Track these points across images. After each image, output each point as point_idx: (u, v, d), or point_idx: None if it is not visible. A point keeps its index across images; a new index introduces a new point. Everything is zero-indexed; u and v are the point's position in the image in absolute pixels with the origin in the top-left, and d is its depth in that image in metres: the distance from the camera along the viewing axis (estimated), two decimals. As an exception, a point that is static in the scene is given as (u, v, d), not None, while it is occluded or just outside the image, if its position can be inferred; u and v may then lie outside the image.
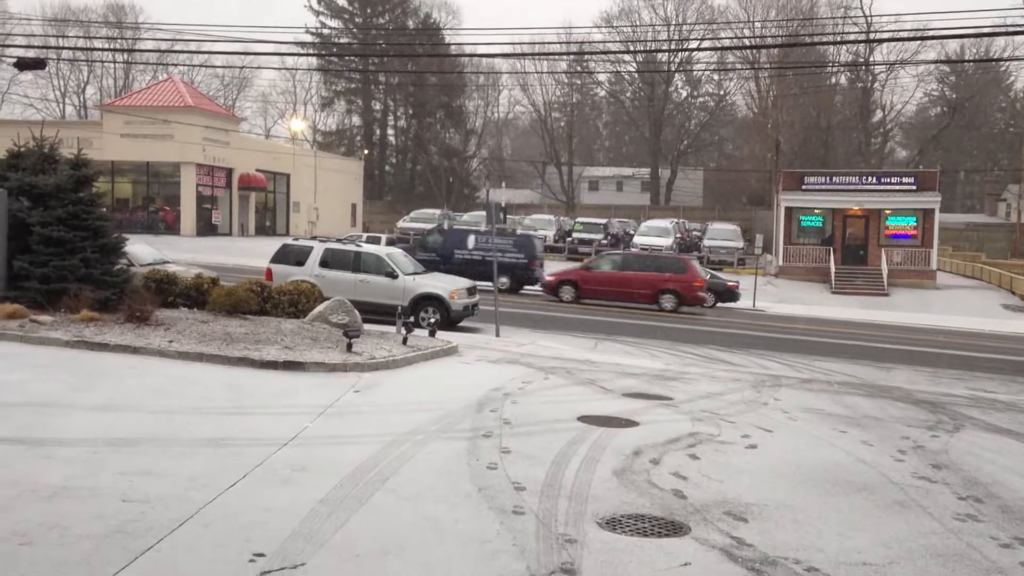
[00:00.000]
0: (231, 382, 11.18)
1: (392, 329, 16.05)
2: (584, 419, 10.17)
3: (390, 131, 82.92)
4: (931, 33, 43.00)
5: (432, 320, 18.37)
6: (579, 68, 72.42)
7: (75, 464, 7.33)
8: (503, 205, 23.75)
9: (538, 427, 9.67)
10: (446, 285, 20.13)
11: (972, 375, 18.27)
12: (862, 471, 8.58)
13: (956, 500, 7.69)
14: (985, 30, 31.83)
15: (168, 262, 21.53)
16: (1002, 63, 66.25)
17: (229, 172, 47.60)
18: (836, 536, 6.59)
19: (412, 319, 17.21)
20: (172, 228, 44.61)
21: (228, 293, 16.12)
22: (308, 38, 73.15)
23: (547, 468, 7.94)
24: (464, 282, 21.43)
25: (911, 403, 13.14)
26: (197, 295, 16.86)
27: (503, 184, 65.57)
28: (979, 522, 7.06)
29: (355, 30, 76.99)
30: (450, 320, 19.23)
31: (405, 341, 14.74)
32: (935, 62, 64.87)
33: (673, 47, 69.25)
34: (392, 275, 19.53)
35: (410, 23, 76.48)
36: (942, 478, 8.44)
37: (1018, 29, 45.93)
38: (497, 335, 18.57)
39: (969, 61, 63.50)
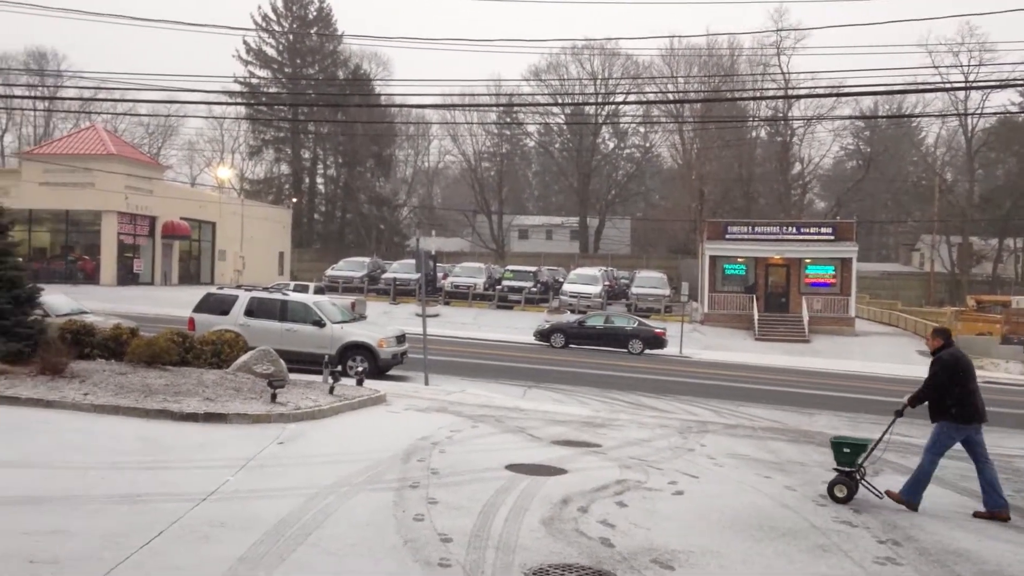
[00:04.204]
0: (149, 435, 10.83)
1: (319, 379, 15.80)
2: (513, 467, 10.11)
3: (319, 179, 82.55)
4: (846, 90, 44.82)
5: (360, 369, 18.11)
6: (508, 119, 73.45)
7: (-22, 524, 6.97)
8: (433, 253, 23.59)
9: (466, 477, 9.57)
10: (375, 333, 19.95)
11: (888, 419, 18.73)
12: (785, 516, 8.70)
13: (876, 544, 7.84)
14: (897, 88, 33.31)
15: (86, 312, 20.89)
16: (914, 119, 69.49)
17: (152, 220, 46.65)
18: (760, 581, 6.64)
19: (340, 368, 16.97)
20: (92, 278, 43.36)
21: (148, 344, 15.67)
22: (236, 87, 72.79)
23: (475, 518, 7.85)
24: (393, 330, 21.29)
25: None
26: (115, 346, 16.36)
27: (433, 233, 65.72)
28: (898, 565, 7.20)
29: (284, 80, 76.84)
30: (379, 369, 19.03)
31: (332, 391, 14.52)
32: (850, 118, 67.66)
33: (600, 100, 70.78)
34: (319, 323, 19.29)
35: (340, 73, 76.69)
36: (862, 522, 8.60)
37: (928, 87, 48.31)
38: (426, 383, 18.44)
39: (882, 117, 66.31)
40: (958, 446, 9.44)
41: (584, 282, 44.95)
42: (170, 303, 34.27)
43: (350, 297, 36.40)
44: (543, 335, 33.27)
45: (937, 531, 8.40)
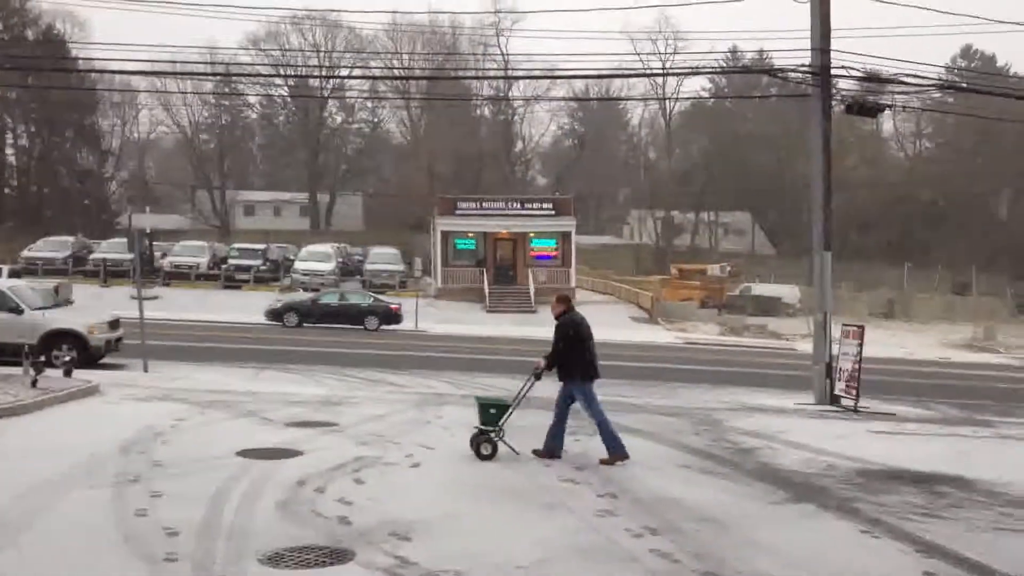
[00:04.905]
0: None
1: (20, 371, 14.26)
2: (245, 453, 9.76)
3: (10, 151, 73.76)
4: (560, 73, 47.26)
5: (67, 359, 16.59)
6: (227, 89, 69.79)
7: None
8: (148, 231, 22.06)
9: (194, 466, 9.11)
10: (84, 319, 18.44)
11: (609, 381, 20.05)
12: (516, 478, 9.14)
13: (596, 498, 8.43)
14: (605, 72, 35.60)
15: None
16: (620, 101, 74.68)
17: None
18: (494, 543, 6.93)
19: (43, 358, 15.46)
20: None
21: None
22: (-98, 41, 63.04)
23: (204, 509, 7.50)
24: (106, 314, 19.73)
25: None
26: None
27: (148, 209, 61.11)
28: (616, 516, 7.80)
29: (-39, 37, 67.58)
30: (90, 357, 17.58)
31: (35, 383, 13.20)
32: (563, 99, 71.53)
33: (324, 73, 69.26)
34: (16, 310, 17.45)
35: (29, 33, 68.67)
36: (584, 479, 9.22)
37: (631, 72, 52.16)
38: (145, 370, 17.28)
39: (591, 100, 70.60)
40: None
41: (317, 259, 44.13)
42: None
43: (53, 280, 33.15)
44: (275, 314, 32.32)
45: (649, 482, 9.19)
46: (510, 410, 10.11)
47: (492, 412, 10.04)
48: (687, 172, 74.67)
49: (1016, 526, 7.94)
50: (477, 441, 10.02)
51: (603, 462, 9.96)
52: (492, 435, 9.96)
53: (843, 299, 44.79)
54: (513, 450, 10.05)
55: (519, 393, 10.31)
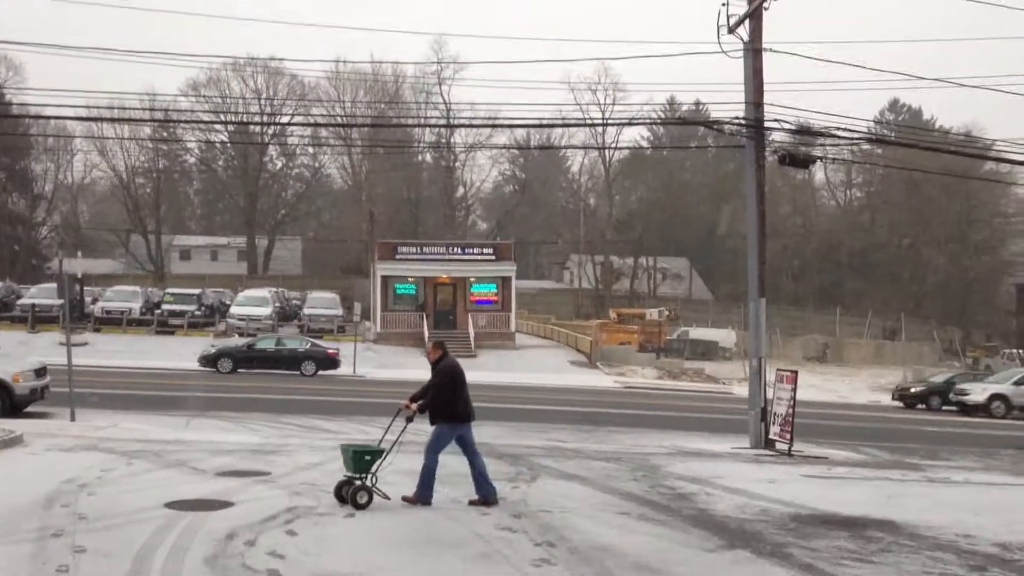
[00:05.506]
0: None
1: (-64, 422, 13.74)
2: (173, 505, 9.49)
3: (-63, 194, 71.48)
4: (501, 121, 47.76)
5: (-10, 409, 16.07)
6: (165, 134, 68.91)
7: None
8: (79, 276, 21.55)
9: (119, 519, 8.83)
10: (9, 367, 17.83)
11: (548, 426, 20.23)
12: (452, 528, 9.05)
13: (533, 547, 8.37)
14: (545, 121, 36.06)
15: None
16: (561, 149, 75.67)
17: None
18: (429, 595, 6.83)
19: (-37, 409, 14.93)
20: None
21: None
22: None
23: (129, 564, 7.26)
24: (33, 362, 19.15)
25: (495, 457, 14.11)
26: None
27: (79, 254, 59.69)
28: (552, 565, 7.75)
29: None
30: (14, 406, 17.02)
31: (-47, 435, 12.70)
32: (505, 147, 72.23)
33: (265, 120, 68.89)
34: (-63, 359, 16.79)
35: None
36: (521, 527, 9.16)
37: (572, 122, 53.04)
38: (72, 419, 16.76)
39: (533, 148, 71.46)
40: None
41: (253, 304, 43.52)
42: None
43: (-23, 326, 32.10)
44: (209, 360, 31.69)
45: (587, 529, 9.17)
46: (384, 455, 9.96)
47: (367, 459, 9.80)
48: (626, 218, 75.76)
49: (944, 571, 8.10)
50: (352, 491, 9.72)
51: (405, 499, 10.03)
52: (365, 482, 9.76)
53: (778, 344, 45.67)
54: (385, 496, 9.88)
55: (385, 435, 10.19)
